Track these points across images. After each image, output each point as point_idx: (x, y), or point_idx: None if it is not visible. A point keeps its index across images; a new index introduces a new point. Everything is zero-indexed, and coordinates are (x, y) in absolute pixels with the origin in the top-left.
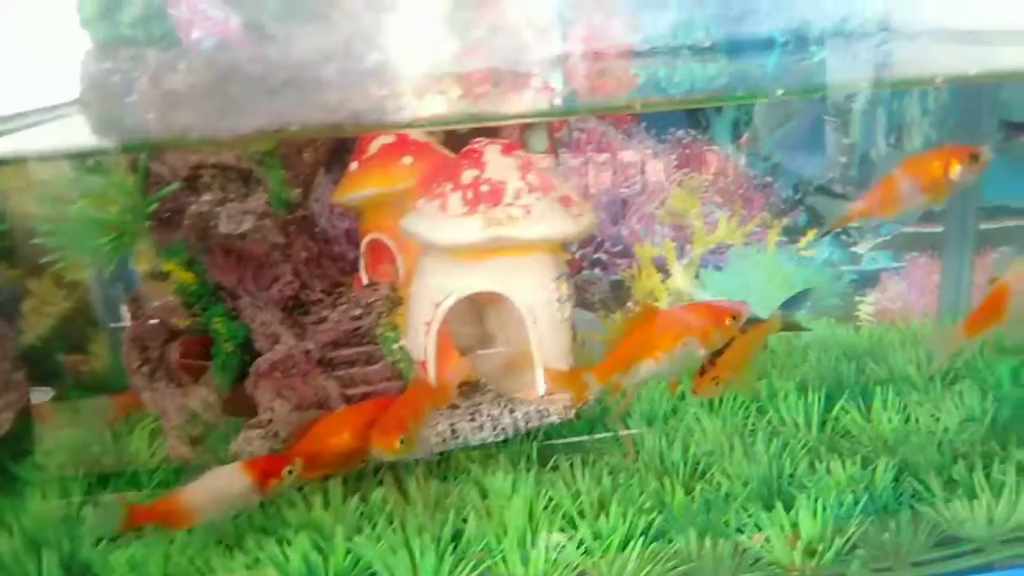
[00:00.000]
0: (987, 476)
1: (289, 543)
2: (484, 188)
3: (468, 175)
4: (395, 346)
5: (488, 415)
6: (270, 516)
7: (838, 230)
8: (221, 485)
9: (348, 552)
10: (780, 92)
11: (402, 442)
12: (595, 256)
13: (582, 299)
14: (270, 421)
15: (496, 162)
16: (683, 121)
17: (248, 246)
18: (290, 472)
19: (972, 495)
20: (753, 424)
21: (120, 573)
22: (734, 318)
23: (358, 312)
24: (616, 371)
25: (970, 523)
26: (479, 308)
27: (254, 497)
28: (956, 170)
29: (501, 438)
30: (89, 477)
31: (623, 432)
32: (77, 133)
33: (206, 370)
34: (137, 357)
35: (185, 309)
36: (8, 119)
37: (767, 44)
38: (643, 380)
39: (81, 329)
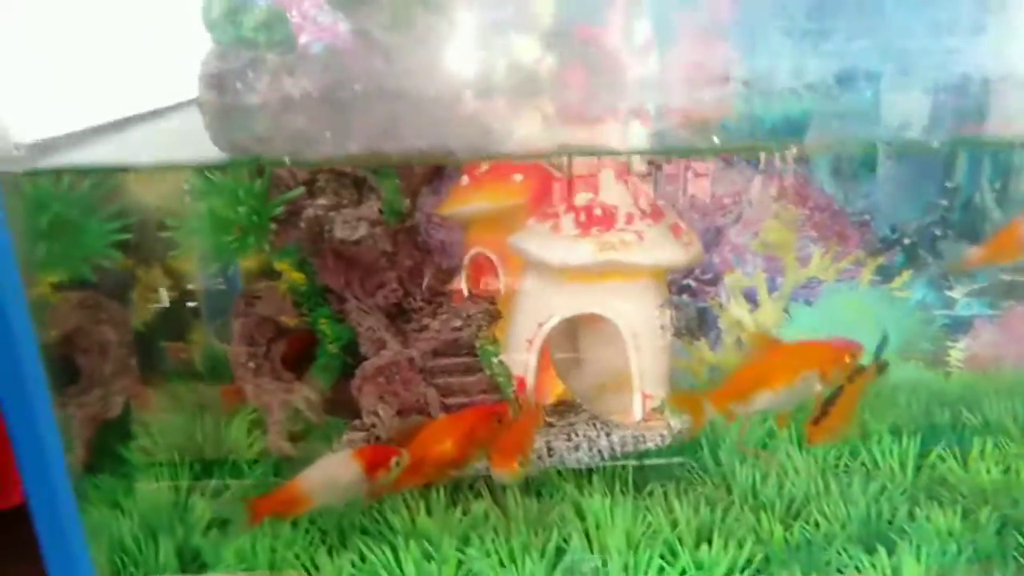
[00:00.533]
0: None
1: (396, 548)
2: (597, 211)
3: (582, 197)
4: (494, 359)
5: (584, 436)
6: (374, 519)
7: (934, 272)
8: (333, 472)
9: (459, 563)
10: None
11: (520, 465)
12: (684, 282)
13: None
14: (373, 425)
15: (610, 186)
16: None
17: (359, 252)
18: (397, 463)
19: None
20: (846, 464)
21: (229, 562)
22: (852, 356)
23: (459, 323)
24: (733, 399)
25: None
26: (574, 328)
27: (363, 486)
28: None
29: (597, 460)
30: (193, 464)
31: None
32: (199, 139)
33: (309, 368)
34: (245, 353)
35: (294, 308)
36: (133, 120)
37: (868, 83)
38: (759, 410)
39: (185, 319)
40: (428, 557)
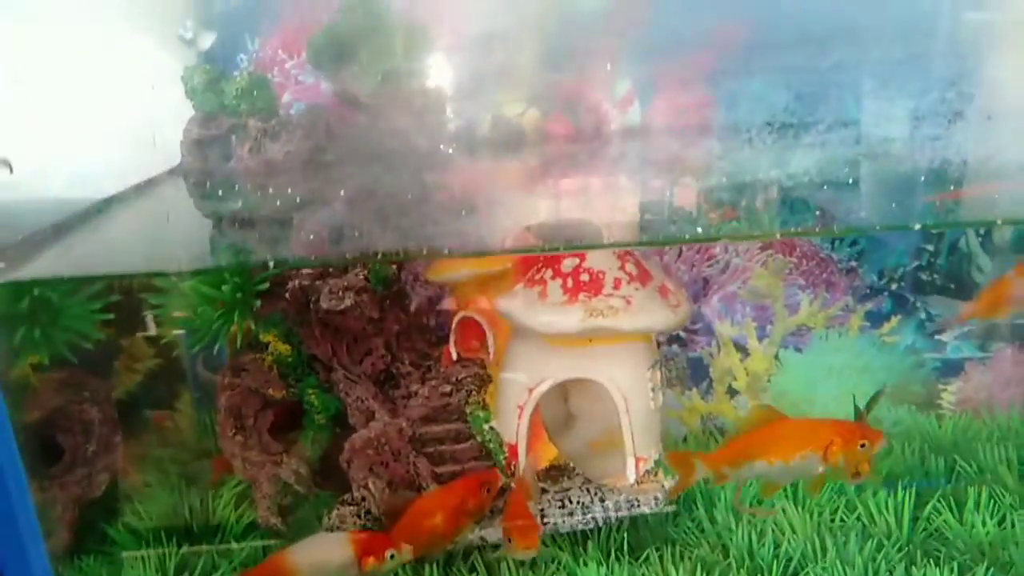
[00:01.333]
0: None
1: None
2: (584, 277)
3: (568, 263)
4: (485, 426)
5: (578, 502)
6: None
7: (923, 316)
8: (324, 552)
9: None
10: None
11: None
12: (674, 333)
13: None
14: (363, 499)
15: (596, 251)
16: None
17: (346, 321)
18: (392, 557)
19: None
20: (842, 520)
21: None
22: (864, 445)
23: (448, 388)
24: (727, 463)
25: None
26: (564, 389)
27: (352, 572)
28: None
29: (591, 527)
30: (180, 539)
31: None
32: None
33: (297, 441)
34: (231, 426)
35: (280, 380)
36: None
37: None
38: (752, 478)
39: (168, 386)
40: None
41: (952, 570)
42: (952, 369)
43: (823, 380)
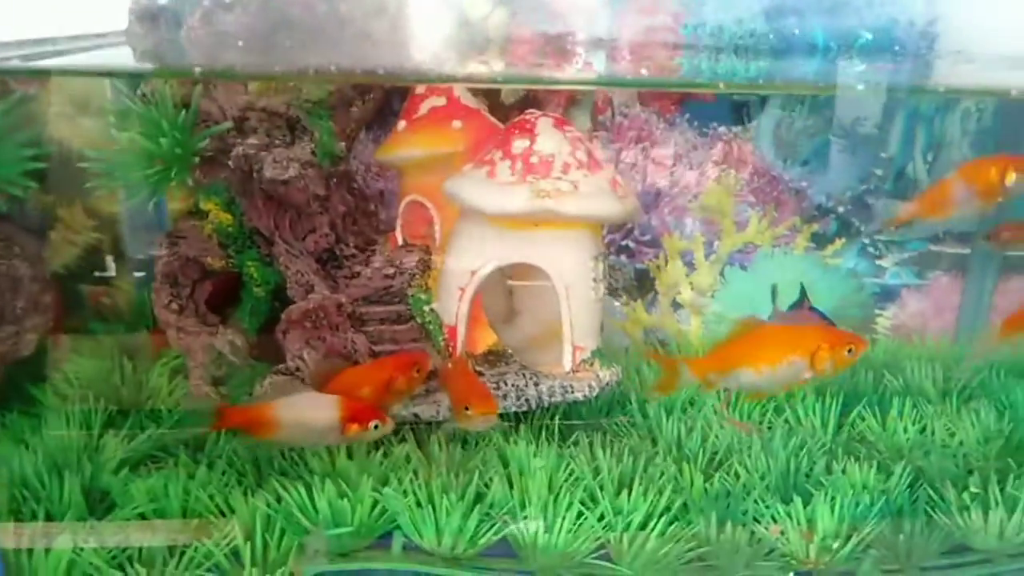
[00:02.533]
0: (1002, 491)
1: (311, 488)
2: (534, 159)
3: (519, 145)
4: (426, 308)
5: (513, 385)
6: (293, 462)
7: (865, 240)
8: (311, 411)
9: (375, 503)
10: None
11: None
12: (623, 243)
13: (607, 285)
14: (298, 369)
15: (547, 135)
16: (727, 117)
17: (289, 193)
18: (375, 427)
19: (986, 507)
20: (771, 422)
21: (139, 502)
22: (851, 350)
23: (391, 271)
24: (714, 369)
25: (982, 534)
26: (508, 286)
27: (334, 435)
28: (1012, 177)
29: (524, 409)
30: (109, 410)
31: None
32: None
33: (234, 312)
34: (167, 294)
35: (220, 250)
36: (58, 41)
37: (812, 49)
38: (739, 387)
39: (106, 261)
40: (343, 496)
41: (871, 467)
42: (890, 294)
43: (766, 298)
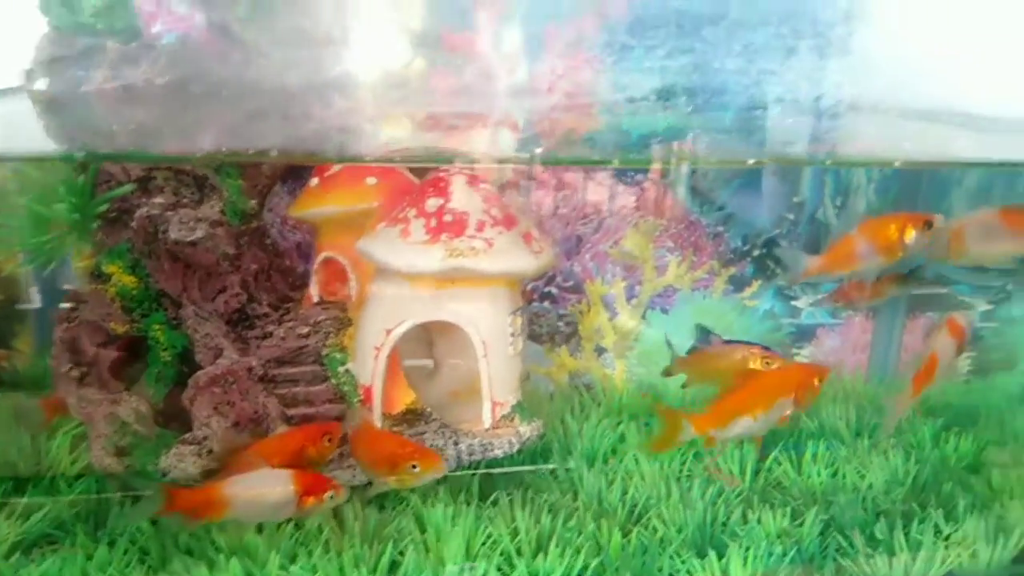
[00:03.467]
0: (906, 535)
1: (219, 568)
2: (448, 218)
3: (432, 203)
4: (341, 368)
5: (432, 445)
6: (199, 538)
7: (781, 283)
8: (266, 487)
9: None
10: (751, 160)
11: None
12: (546, 289)
13: (530, 331)
14: (205, 438)
15: (461, 192)
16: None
17: (197, 254)
18: (331, 498)
19: (891, 552)
20: (690, 470)
21: None
22: (820, 379)
23: (306, 330)
24: (715, 424)
25: None
26: (429, 335)
27: (290, 509)
28: (911, 235)
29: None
30: (4, 482)
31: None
32: (27, 129)
33: (139, 378)
34: (67, 359)
35: (124, 314)
36: None
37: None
38: (736, 436)
39: (7, 325)
40: (249, 575)
41: (785, 514)
42: (805, 334)
43: (687, 340)
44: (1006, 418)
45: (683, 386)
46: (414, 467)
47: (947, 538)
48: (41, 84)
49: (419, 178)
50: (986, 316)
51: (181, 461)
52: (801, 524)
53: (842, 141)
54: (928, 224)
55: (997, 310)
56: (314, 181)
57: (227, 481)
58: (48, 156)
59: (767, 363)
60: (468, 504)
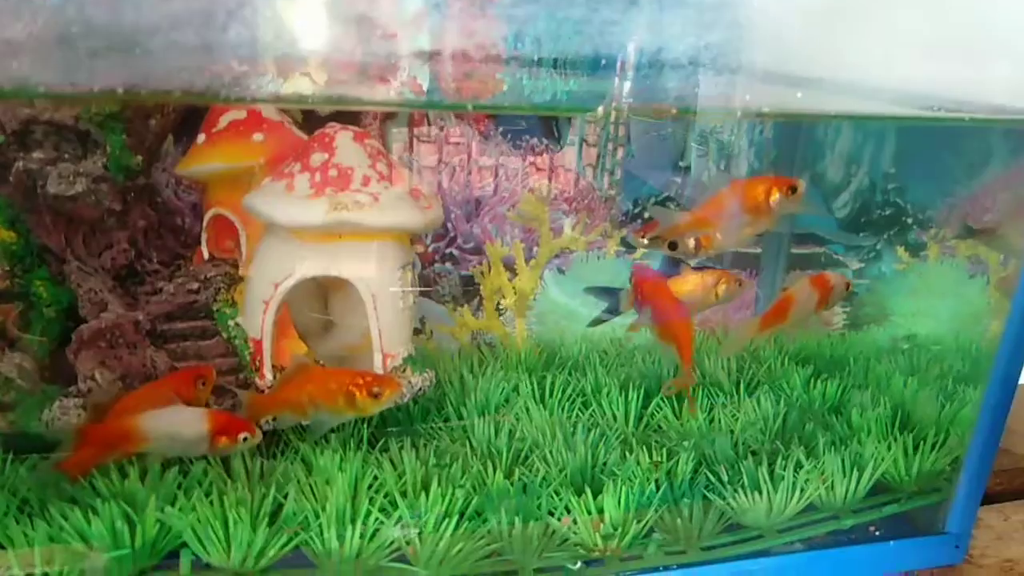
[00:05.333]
0: (771, 472)
1: (96, 512)
2: (332, 172)
3: (317, 158)
4: (231, 323)
5: None
6: (82, 488)
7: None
8: (179, 423)
9: (159, 523)
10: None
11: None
12: (447, 251)
13: (434, 292)
14: (90, 391)
15: (347, 147)
16: (538, 130)
17: (79, 209)
18: (244, 440)
19: (756, 487)
20: (577, 416)
21: None
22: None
23: (196, 286)
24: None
25: (752, 513)
26: (324, 292)
27: (202, 447)
28: (776, 198)
29: (296, 422)
30: None
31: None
32: None
33: (23, 335)
34: None
35: (3, 269)
36: None
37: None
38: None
39: None
40: (124, 517)
41: (661, 455)
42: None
43: (583, 299)
44: (871, 366)
45: (629, 329)
46: (376, 393)
47: (808, 473)
48: None
49: (308, 135)
50: (858, 274)
51: (64, 414)
52: (676, 463)
53: (688, 96)
54: (793, 188)
55: (868, 268)
56: (201, 137)
57: (144, 415)
58: None
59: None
60: (357, 450)
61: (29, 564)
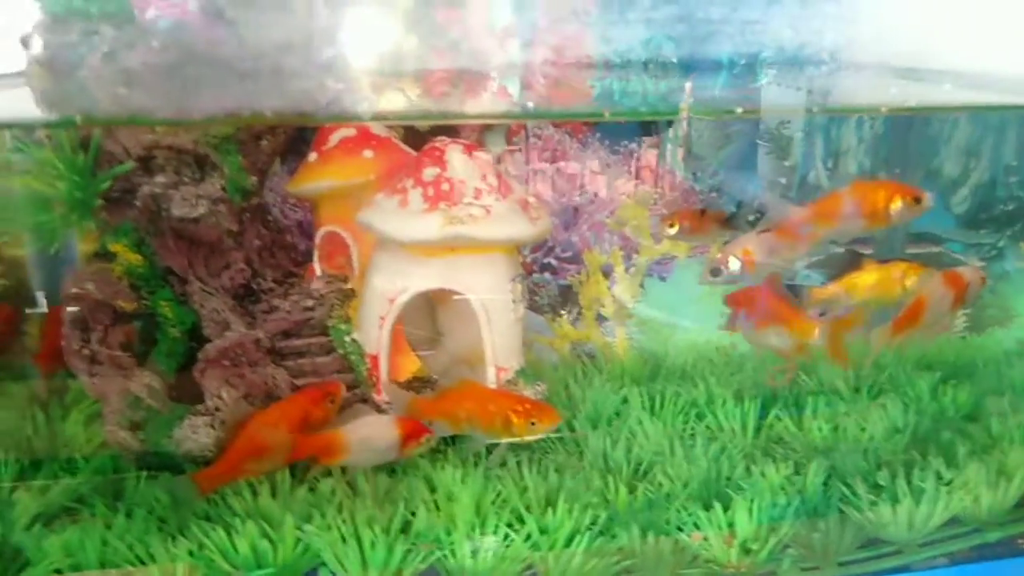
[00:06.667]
0: (908, 483)
1: (236, 531)
2: (445, 186)
3: (429, 172)
4: (347, 339)
5: None
6: (215, 504)
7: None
8: (373, 433)
9: (297, 541)
10: (738, 111)
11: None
12: (545, 260)
13: (531, 302)
14: (217, 409)
15: (457, 161)
16: (637, 135)
17: (200, 231)
18: (427, 440)
19: (895, 500)
20: (693, 428)
21: (54, 558)
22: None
23: (310, 303)
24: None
25: (892, 526)
26: (432, 306)
27: (393, 453)
28: (897, 206)
29: (450, 434)
30: (21, 461)
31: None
32: (25, 105)
33: (149, 355)
34: (77, 340)
35: (131, 291)
36: None
37: (718, 66)
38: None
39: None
40: (265, 536)
41: (788, 467)
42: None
43: (685, 307)
44: (1003, 370)
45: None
46: (532, 424)
47: (949, 484)
48: (38, 71)
49: (415, 151)
50: None
51: (194, 432)
52: (804, 476)
53: (828, 92)
54: (917, 199)
55: (990, 266)
56: (312, 156)
57: (342, 429)
58: (50, 122)
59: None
60: (476, 466)
61: None
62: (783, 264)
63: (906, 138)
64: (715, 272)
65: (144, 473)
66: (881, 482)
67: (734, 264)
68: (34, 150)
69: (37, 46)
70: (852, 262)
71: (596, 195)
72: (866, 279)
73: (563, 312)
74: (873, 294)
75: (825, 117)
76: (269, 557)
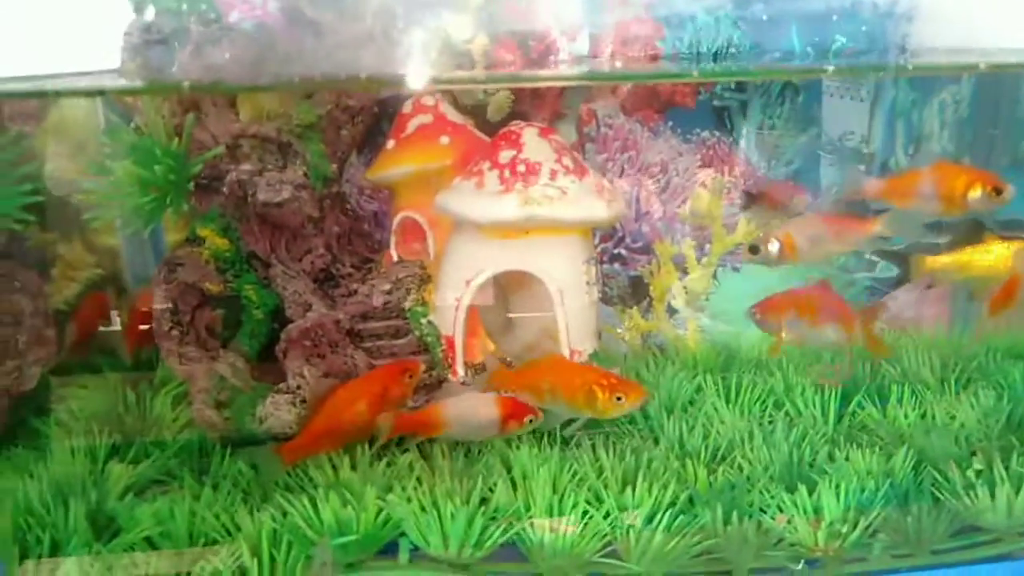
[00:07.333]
0: (1007, 469)
1: (315, 500)
2: (521, 168)
3: (505, 155)
4: (423, 321)
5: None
6: (297, 477)
7: None
8: (473, 409)
9: (379, 510)
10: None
11: None
12: (615, 251)
13: (601, 294)
14: (299, 387)
15: (533, 143)
16: (709, 122)
17: (284, 216)
18: (531, 421)
19: (992, 486)
20: (771, 416)
21: (145, 526)
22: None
23: (388, 287)
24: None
25: (990, 513)
26: (504, 290)
27: (493, 431)
28: (976, 194)
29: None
30: (113, 439)
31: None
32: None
33: (234, 336)
34: (167, 322)
35: (218, 275)
36: (57, 76)
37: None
38: None
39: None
40: (347, 505)
41: (874, 453)
42: (882, 288)
43: (759, 297)
44: None
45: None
46: (618, 399)
47: None
48: (131, 68)
49: (490, 137)
50: None
51: (277, 409)
52: (891, 461)
53: (918, 50)
54: (998, 190)
55: None
56: (390, 143)
57: (442, 404)
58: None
59: None
60: (551, 446)
61: (256, 550)
62: (828, 254)
63: (993, 122)
64: (754, 250)
65: (229, 449)
66: (978, 466)
67: (773, 246)
68: (131, 134)
69: (132, 44)
70: (973, 233)
71: (667, 184)
72: (983, 257)
73: (633, 304)
74: (988, 273)
75: (905, 101)
76: (352, 526)
